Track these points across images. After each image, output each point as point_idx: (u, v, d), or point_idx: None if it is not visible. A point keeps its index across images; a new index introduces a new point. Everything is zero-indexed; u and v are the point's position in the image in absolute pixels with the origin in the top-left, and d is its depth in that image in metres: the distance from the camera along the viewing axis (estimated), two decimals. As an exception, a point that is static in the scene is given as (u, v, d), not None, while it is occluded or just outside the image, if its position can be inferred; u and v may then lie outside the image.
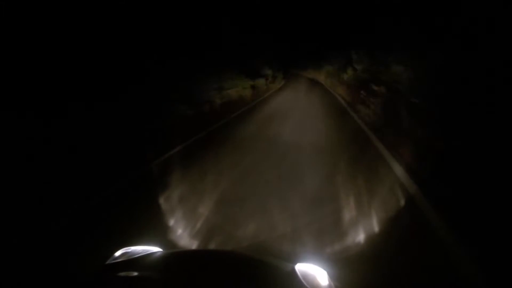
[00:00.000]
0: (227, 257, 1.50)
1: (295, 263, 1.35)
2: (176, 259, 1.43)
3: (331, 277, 1.31)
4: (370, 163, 4.61)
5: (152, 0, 8.01)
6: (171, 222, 3.21)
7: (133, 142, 5.95)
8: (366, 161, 4.71)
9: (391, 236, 2.73)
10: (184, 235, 2.99)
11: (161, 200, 3.71)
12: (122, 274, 1.16)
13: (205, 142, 6.84)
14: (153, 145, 6.10)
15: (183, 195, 3.85)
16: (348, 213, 3.17)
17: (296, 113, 10.19)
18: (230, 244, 2.85)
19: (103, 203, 3.82)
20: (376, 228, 2.87)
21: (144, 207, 3.60)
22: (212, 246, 2.86)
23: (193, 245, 2.90)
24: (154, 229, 3.10)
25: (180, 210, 3.45)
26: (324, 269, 1.35)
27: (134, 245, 1.51)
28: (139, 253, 1.41)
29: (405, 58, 6.81)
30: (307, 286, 1.17)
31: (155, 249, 1.52)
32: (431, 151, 4.17)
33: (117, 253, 1.43)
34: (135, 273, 1.17)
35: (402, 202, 3.31)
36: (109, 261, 1.36)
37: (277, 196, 3.64)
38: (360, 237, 2.77)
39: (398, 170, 4.24)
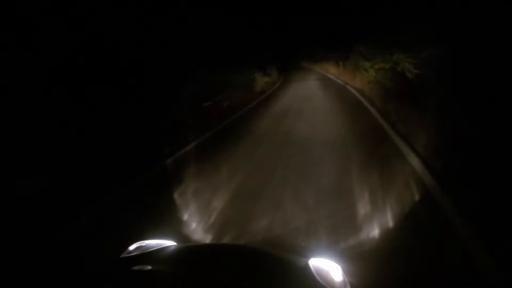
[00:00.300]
0: (240, 251, 1.51)
1: (309, 258, 1.34)
2: (190, 253, 1.44)
3: (345, 272, 1.30)
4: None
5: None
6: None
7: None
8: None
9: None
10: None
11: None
12: (137, 267, 1.17)
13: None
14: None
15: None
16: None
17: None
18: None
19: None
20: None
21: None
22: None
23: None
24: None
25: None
26: (338, 264, 1.34)
27: (148, 238, 1.53)
28: (154, 247, 1.43)
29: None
30: (321, 281, 1.16)
31: (169, 243, 1.53)
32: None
33: (132, 247, 1.45)
34: (149, 267, 1.18)
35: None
36: (123, 255, 1.38)
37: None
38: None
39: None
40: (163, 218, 3.31)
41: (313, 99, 12.03)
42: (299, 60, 34.32)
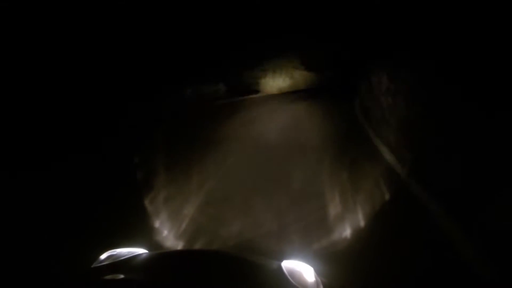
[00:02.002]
0: (213, 257, 1.50)
1: (282, 261, 1.36)
2: (162, 260, 1.42)
3: (317, 273, 1.33)
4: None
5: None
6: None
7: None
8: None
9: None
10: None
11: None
12: (108, 277, 1.14)
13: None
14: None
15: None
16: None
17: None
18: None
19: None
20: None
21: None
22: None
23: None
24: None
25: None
26: (311, 265, 1.37)
27: (120, 246, 1.49)
28: (125, 255, 1.40)
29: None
30: (294, 282, 1.19)
31: (140, 250, 1.50)
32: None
33: (103, 256, 1.41)
34: (121, 276, 1.16)
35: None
36: (94, 265, 1.34)
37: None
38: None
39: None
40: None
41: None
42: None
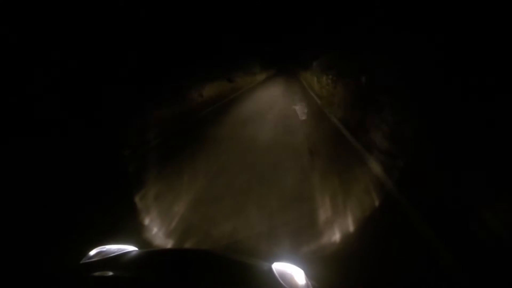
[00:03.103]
0: (203, 256, 1.49)
1: (272, 263, 1.36)
2: (152, 258, 1.41)
3: (308, 276, 1.33)
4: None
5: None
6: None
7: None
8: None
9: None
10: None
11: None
12: (97, 273, 1.13)
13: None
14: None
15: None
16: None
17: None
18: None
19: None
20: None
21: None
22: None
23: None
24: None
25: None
26: (301, 268, 1.37)
27: (109, 243, 1.48)
28: (114, 252, 1.39)
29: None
30: (284, 285, 1.19)
31: (130, 248, 1.49)
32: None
33: (92, 252, 1.39)
34: (110, 273, 1.15)
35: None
36: (83, 260, 1.33)
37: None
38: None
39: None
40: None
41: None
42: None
